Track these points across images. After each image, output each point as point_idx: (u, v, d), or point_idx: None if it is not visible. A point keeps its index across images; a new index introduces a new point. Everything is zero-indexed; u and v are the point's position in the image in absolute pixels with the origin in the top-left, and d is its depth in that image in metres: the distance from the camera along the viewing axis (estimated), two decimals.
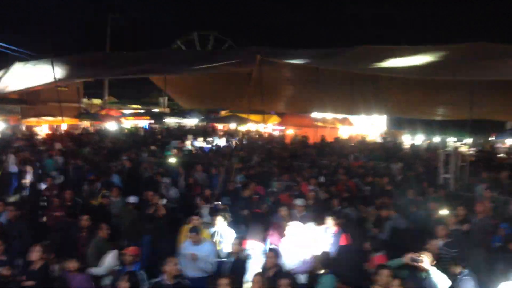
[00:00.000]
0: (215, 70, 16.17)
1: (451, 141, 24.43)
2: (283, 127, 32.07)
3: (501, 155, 23.54)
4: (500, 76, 12.45)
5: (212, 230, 8.47)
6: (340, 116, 29.87)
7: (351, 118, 30.86)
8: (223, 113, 33.53)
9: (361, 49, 14.10)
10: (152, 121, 32.72)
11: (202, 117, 30.89)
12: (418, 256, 6.31)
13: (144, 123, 33.73)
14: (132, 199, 10.17)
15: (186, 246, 7.69)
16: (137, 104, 46.47)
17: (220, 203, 10.12)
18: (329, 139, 26.23)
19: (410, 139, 29.89)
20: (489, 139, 28.19)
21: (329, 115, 29.63)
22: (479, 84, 13.96)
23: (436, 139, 29.07)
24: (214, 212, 9.14)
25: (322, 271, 6.85)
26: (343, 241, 8.08)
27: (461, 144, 22.26)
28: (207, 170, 14.05)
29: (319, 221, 8.52)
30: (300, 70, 16.77)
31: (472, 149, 26.20)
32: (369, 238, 8.06)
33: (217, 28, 46.04)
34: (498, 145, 28.22)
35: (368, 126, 32.66)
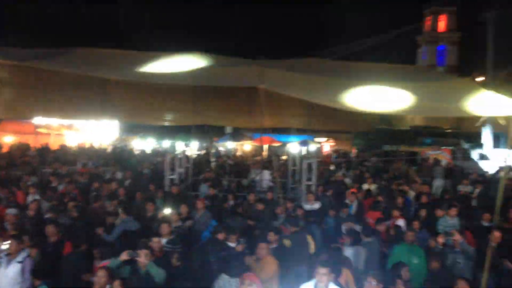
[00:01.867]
0: None
1: (180, 144, 25.86)
2: None
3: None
4: (218, 83, 13.72)
5: None
6: (66, 122, 28.22)
7: (79, 124, 29.49)
8: None
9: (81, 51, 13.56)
10: None
11: None
12: (137, 252, 6.33)
13: None
14: None
15: None
16: None
17: None
18: (55, 146, 24.60)
19: (141, 144, 30.49)
20: (212, 142, 30.90)
21: (54, 121, 27.66)
22: (202, 90, 15.13)
23: (167, 143, 30.39)
24: None
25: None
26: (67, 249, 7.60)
27: (187, 147, 23.71)
28: None
29: None
30: (20, 70, 15.15)
31: (197, 152, 28.36)
32: (97, 244, 7.76)
33: None
34: (220, 148, 31.41)
35: (99, 132, 31.80)
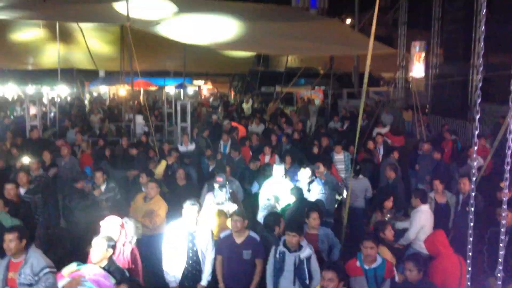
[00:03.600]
0: None
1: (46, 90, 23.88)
2: None
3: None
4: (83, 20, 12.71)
5: None
6: None
7: None
8: None
9: None
10: None
11: None
12: None
13: None
14: None
15: None
16: None
17: None
18: None
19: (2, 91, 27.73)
20: (84, 87, 28.98)
21: None
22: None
23: (31, 89, 27.92)
24: None
25: None
26: None
27: (53, 92, 21.99)
28: None
29: None
30: None
31: (67, 97, 26.50)
32: None
33: None
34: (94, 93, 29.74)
35: None
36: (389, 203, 6.73)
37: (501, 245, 2.77)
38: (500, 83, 16.48)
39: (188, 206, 5.16)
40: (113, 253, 4.49)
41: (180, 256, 5.18)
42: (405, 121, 16.02)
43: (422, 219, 6.35)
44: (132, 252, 5.02)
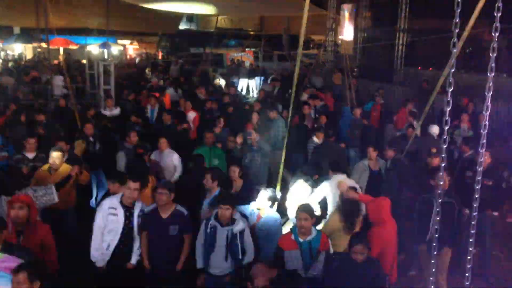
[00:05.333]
0: None
1: None
2: None
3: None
4: None
5: None
6: None
7: None
8: None
9: None
10: None
11: None
12: None
13: None
14: None
15: None
16: None
17: None
18: None
19: None
20: None
21: None
22: None
23: None
24: None
25: None
26: None
27: None
28: None
29: None
30: None
31: None
32: None
33: None
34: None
35: None
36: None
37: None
38: (424, 48, 16.98)
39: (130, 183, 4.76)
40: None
41: (112, 233, 4.75)
42: (334, 84, 16.08)
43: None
44: (40, 229, 4.45)
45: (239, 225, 4.59)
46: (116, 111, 10.61)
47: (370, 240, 4.30)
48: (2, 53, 25.59)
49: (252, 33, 29.86)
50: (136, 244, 4.83)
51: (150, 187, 5.83)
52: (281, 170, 6.58)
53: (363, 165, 7.00)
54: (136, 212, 4.83)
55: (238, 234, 4.57)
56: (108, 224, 4.76)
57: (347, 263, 4.12)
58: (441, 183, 2.78)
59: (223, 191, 5.46)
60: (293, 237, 4.48)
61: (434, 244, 2.67)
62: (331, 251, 4.62)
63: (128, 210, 4.81)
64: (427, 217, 5.03)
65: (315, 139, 8.30)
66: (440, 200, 2.74)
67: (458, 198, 5.32)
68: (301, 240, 4.44)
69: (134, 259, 4.83)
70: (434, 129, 8.48)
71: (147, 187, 5.78)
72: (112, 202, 4.84)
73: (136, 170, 5.94)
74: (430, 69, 15.83)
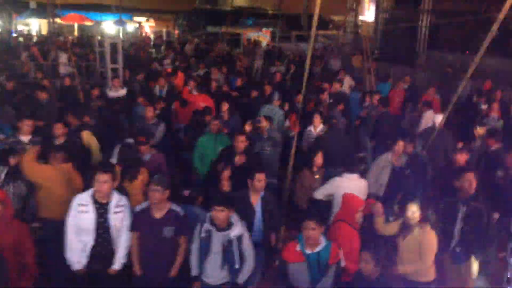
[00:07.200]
0: None
1: None
2: None
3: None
4: None
5: None
6: None
7: None
8: None
9: None
10: None
11: None
12: None
13: None
14: None
15: None
16: None
17: None
18: None
19: None
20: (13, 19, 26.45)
21: None
22: None
23: None
24: None
25: None
26: None
27: None
28: None
29: None
30: None
31: None
32: None
33: None
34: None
35: None
36: (318, 159, 5.96)
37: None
38: (449, 30, 16.14)
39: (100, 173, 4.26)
40: None
41: (85, 232, 4.27)
42: (354, 67, 15.39)
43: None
44: (16, 228, 4.03)
45: (237, 230, 4.07)
46: (122, 91, 10.10)
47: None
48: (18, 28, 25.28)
49: (270, 12, 29.03)
50: (120, 246, 4.35)
51: (141, 180, 5.29)
52: (291, 162, 6.13)
53: (386, 160, 6.16)
54: (111, 209, 4.33)
55: (235, 240, 4.05)
56: (79, 222, 4.26)
57: (358, 279, 3.63)
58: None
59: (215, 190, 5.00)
60: (298, 248, 3.94)
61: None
62: (343, 264, 4.10)
63: (102, 207, 4.30)
64: (451, 223, 4.50)
65: (311, 129, 7.53)
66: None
67: (487, 202, 4.74)
68: (308, 252, 3.91)
69: (117, 264, 4.34)
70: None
71: (137, 179, 5.25)
72: (82, 197, 4.32)
73: (125, 159, 5.45)
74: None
